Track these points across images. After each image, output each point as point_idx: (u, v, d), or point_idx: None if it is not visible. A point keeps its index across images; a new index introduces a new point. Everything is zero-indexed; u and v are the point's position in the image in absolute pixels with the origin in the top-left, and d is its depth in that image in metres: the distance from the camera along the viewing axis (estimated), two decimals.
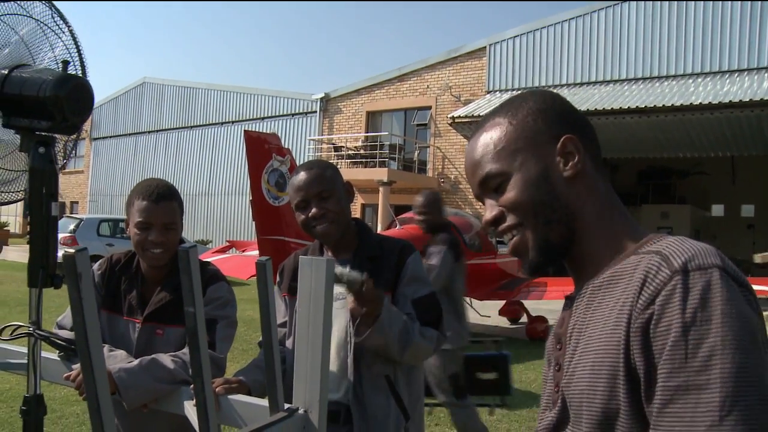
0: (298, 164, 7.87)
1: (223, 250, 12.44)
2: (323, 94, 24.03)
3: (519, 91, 20.96)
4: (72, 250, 1.05)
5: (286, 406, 1.54)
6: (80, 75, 1.61)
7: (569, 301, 1.14)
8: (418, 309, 2.22)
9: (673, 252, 0.94)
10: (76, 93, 1.48)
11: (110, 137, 31.87)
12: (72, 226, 17.05)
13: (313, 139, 23.16)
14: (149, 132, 30.01)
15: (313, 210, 2.22)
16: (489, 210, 1.14)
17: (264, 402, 1.76)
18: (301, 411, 1.54)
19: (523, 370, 8.01)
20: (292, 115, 24.99)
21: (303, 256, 1.74)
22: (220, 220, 26.49)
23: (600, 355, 0.98)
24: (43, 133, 1.52)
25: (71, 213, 31.09)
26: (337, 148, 22.25)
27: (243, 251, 11.84)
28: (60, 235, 16.92)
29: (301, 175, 2.26)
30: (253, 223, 7.46)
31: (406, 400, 2.26)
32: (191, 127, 28.41)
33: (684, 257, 0.92)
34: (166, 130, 29.46)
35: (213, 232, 26.16)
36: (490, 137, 1.15)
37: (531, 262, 1.11)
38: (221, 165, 27.03)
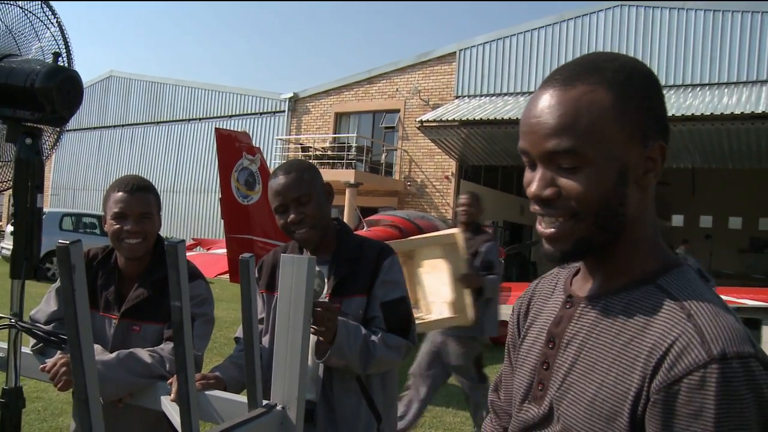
0: (267, 163, 7.85)
1: (188, 248, 12.32)
2: (292, 94, 23.94)
3: (488, 97, 21.02)
4: (66, 242, 1.05)
5: (264, 402, 1.55)
6: (69, 67, 1.61)
7: (571, 300, 1.11)
8: (385, 312, 2.22)
9: (709, 329, 0.91)
10: (67, 85, 1.47)
11: (74, 130, 31.26)
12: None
13: (280, 139, 23.05)
14: (114, 126, 29.54)
15: (292, 216, 2.20)
16: (542, 184, 1.01)
17: (242, 398, 1.76)
18: (279, 407, 1.56)
19: (490, 373, 8.07)
20: (260, 114, 24.85)
21: (283, 254, 1.75)
22: (185, 217, 26.19)
23: (602, 393, 0.97)
24: (29, 124, 1.51)
25: None
26: (304, 149, 22.16)
27: (208, 249, 11.73)
28: None
29: (280, 179, 2.23)
30: (218, 221, 7.41)
31: (380, 401, 2.27)
32: (157, 122, 28.05)
33: (722, 342, 0.89)
34: (131, 125, 29.03)
35: (177, 230, 25.86)
36: (587, 105, 0.97)
37: (563, 253, 1.03)
38: (187, 162, 26.74)
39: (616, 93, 0.98)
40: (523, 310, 1.27)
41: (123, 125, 29.33)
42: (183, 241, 1.35)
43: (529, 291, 1.28)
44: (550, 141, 0.98)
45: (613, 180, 0.98)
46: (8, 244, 16.33)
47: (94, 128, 30.41)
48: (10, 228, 16.74)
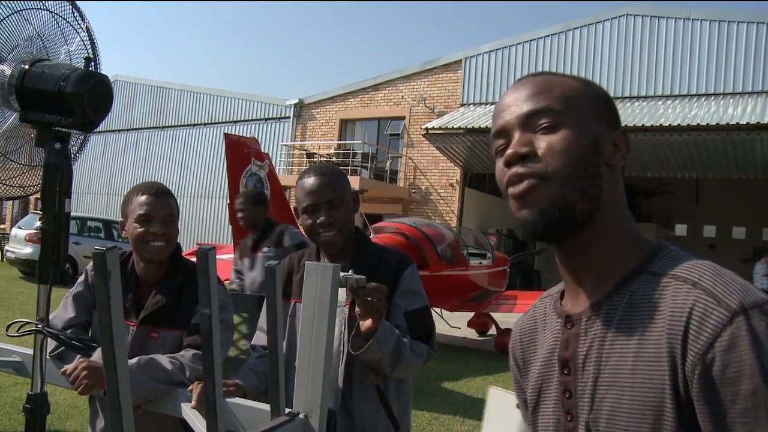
0: (275, 169, 7.84)
1: (194, 254, 12.30)
2: (297, 100, 23.96)
3: (494, 105, 21.35)
4: (102, 248, 1.05)
5: (287, 410, 1.55)
6: (99, 72, 1.60)
7: (570, 319, 1.07)
8: (409, 321, 2.21)
9: (719, 287, 0.90)
10: (98, 90, 1.47)
11: None
12: (38, 223, 16.74)
13: (285, 145, 23.06)
14: (119, 130, 29.57)
15: (322, 217, 2.19)
16: (520, 143, 1.01)
17: (263, 406, 1.75)
18: (301, 416, 1.55)
19: (492, 382, 8.06)
20: (266, 119, 24.86)
21: (308, 262, 1.74)
22: (189, 223, 26.16)
23: (639, 393, 0.93)
24: (58, 129, 1.50)
25: (36, 209, 30.50)
26: (309, 155, 22.18)
27: None
28: (25, 232, 16.39)
29: (313, 180, 2.23)
30: (223, 226, 7.41)
31: (396, 410, 2.26)
32: (162, 127, 28.08)
33: (736, 296, 0.88)
34: (136, 129, 29.07)
35: (182, 235, 25.79)
36: (561, 82, 1.05)
37: (543, 214, 0.99)
38: (192, 167, 26.75)
39: (585, 84, 1.07)
40: (518, 354, 1.23)
41: (128, 129, 29.35)
42: (213, 248, 1.35)
43: (516, 335, 1.25)
44: (527, 104, 1.03)
45: (589, 147, 1.00)
46: (14, 246, 16.34)
47: (99, 132, 30.41)
48: (16, 231, 16.74)
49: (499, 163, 1.04)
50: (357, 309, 1.98)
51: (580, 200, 0.98)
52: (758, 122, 14.17)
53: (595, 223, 1.01)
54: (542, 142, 1.00)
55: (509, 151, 1.01)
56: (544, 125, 1.00)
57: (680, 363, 0.89)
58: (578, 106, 1.02)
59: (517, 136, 1.02)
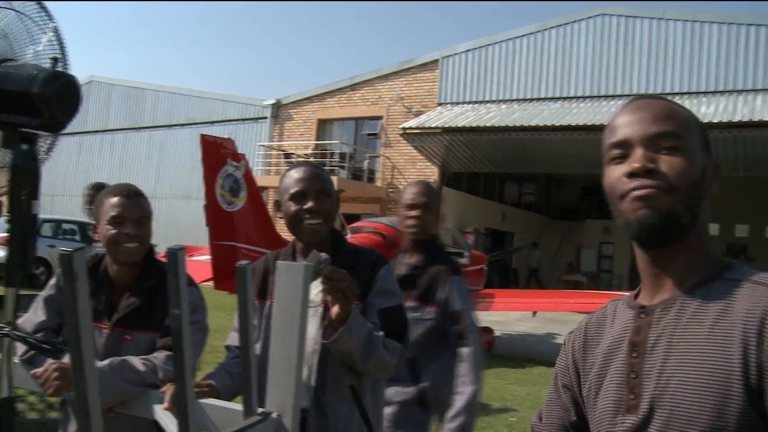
0: (252, 170, 7.81)
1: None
2: (274, 101, 23.88)
3: (471, 105, 21.15)
4: (69, 249, 1.04)
5: (260, 410, 1.54)
6: (67, 72, 1.59)
7: (644, 310, 1.20)
8: (383, 319, 2.22)
9: None
10: (66, 90, 1.46)
11: None
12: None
13: (263, 145, 22.97)
14: (95, 132, 29.25)
15: (310, 203, 2.22)
16: (647, 159, 1.16)
17: (236, 406, 1.75)
18: (274, 415, 1.55)
19: None
20: (243, 120, 24.74)
21: (280, 261, 1.74)
22: (166, 224, 25.93)
23: (706, 374, 1.05)
24: (26, 130, 1.49)
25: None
26: (287, 155, 22.12)
27: (191, 256, 11.65)
28: None
29: (303, 170, 2.29)
30: (200, 228, 7.38)
31: (371, 411, 2.27)
32: (138, 128, 27.83)
33: None
34: (112, 130, 28.77)
35: (158, 237, 25.49)
36: (679, 110, 1.22)
37: (660, 216, 1.14)
38: (168, 168, 26.53)
39: (690, 113, 1.23)
40: (579, 343, 1.35)
41: (103, 131, 29.03)
42: (183, 248, 1.34)
43: (581, 326, 1.37)
44: (654, 125, 1.17)
45: (698, 173, 1.16)
46: None
47: (74, 133, 30.05)
48: None
49: (616, 171, 1.19)
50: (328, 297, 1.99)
51: (686, 216, 1.15)
52: (729, 120, 14.42)
53: (689, 236, 1.17)
54: (665, 162, 1.15)
55: (636, 164, 1.15)
56: (667, 146, 1.15)
57: (754, 350, 1.02)
58: (693, 135, 1.18)
59: (641, 152, 1.16)
